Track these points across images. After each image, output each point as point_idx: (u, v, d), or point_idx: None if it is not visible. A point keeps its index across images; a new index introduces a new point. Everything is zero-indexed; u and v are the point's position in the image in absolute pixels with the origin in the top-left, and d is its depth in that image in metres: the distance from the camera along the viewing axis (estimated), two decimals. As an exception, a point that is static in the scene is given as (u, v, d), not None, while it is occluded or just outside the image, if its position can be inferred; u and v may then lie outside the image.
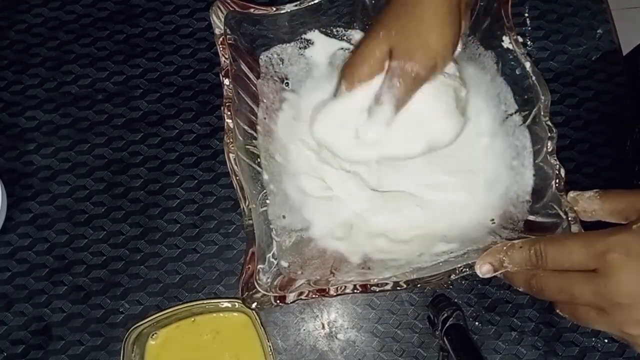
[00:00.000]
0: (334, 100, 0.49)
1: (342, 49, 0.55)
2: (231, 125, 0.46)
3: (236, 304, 0.52)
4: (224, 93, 0.47)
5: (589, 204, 0.42)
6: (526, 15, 0.63)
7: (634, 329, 0.36)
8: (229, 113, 0.47)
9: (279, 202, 0.50)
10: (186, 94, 0.61)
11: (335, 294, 0.42)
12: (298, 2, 0.50)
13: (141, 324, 0.51)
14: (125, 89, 0.61)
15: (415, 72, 0.43)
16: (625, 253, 0.35)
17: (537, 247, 0.38)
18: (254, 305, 0.42)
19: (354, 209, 0.51)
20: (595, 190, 0.42)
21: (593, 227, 0.42)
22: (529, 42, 0.62)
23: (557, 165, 0.46)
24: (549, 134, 0.46)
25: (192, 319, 0.53)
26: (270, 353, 0.50)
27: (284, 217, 0.49)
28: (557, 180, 0.45)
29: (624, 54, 0.63)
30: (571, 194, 0.44)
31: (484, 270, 0.41)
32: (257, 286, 0.42)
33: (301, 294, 0.42)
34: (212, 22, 0.49)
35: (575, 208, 0.43)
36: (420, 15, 0.42)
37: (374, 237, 0.50)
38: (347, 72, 0.46)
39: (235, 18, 0.49)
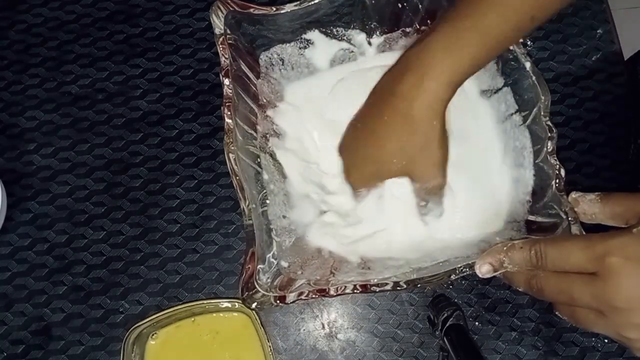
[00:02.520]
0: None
1: (342, 49, 0.55)
2: (231, 125, 0.46)
3: (236, 304, 0.52)
4: (224, 93, 0.47)
5: (589, 206, 0.42)
6: (526, 15, 0.63)
7: (632, 333, 0.36)
8: (229, 113, 0.46)
9: (279, 202, 0.50)
10: (186, 94, 0.61)
11: (335, 294, 0.42)
12: (298, 2, 0.50)
13: (141, 324, 0.51)
14: (125, 89, 0.61)
15: (437, 185, 0.48)
16: (624, 257, 0.35)
17: (537, 248, 0.38)
18: (254, 305, 0.41)
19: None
20: (597, 193, 0.42)
21: (593, 228, 0.42)
22: (529, 42, 0.62)
23: (557, 166, 0.45)
24: (549, 134, 0.46)
25: (192, 319, 0.53)
26: (270, 353, 0.50)
27: (284, 217, 0.49)
28: (557, 181, 0.45)
29: (624, 54, 0.63)
30: (573, 194, 0.44)
31: (483, 270, 0.41)
32: (257, 286, 0.42)
33: (301, 294, 0.42)
34: (212, 21, 0.49)
35: (575, 209, 0.43)
36: (426, 144, 0.45)
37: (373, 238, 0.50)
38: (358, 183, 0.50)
39: (235, 18, 0.49)
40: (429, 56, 0.43)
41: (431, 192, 0.48)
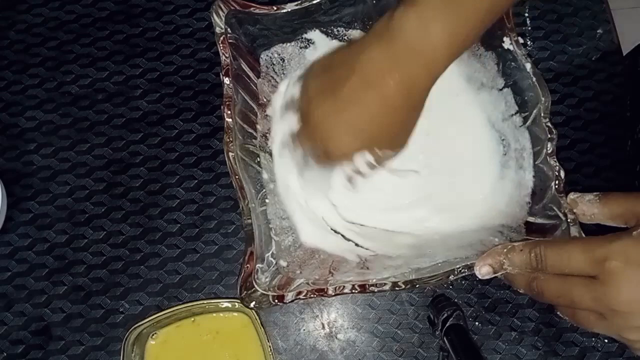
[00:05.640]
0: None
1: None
2: (231, 124, 0.46)
3: (236, 304, 0.52)
4: (224, 92, 0.47)
5: (588, 207, 0.42)
6: (526, 15, 0.63)
7: (632, 335, 0.36)
8: (229, 112, 0.47)
9: (279, 202, 0.50)
10: (186, 94, 0.61)
11: (333, 293, 0.42)
12: (299, 2, 0.50)
13: (141, 324, 0.51)
14: (125, 89, 0.61)
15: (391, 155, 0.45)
16: (624, 261, 0.35)
17: (537, 251, 0.38)
18: (252, 305, 0.42)
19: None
20: (595, 193, 0.42)
21: (593, 227, 0.42)
22: (529, 42, 0.62)
23: (557, 167, 0.45)
24: (549, 135, 0.46)
25: (192, 319, 0.53)
26: (270, 353, 0.50)
27: (283, 216, 0.49)
28: (557, 182, 0.45)
29: (624, 53, 0.63)
30: (571, 195, 0.44)
31: (483, 271, 0.41)
32: (255, 285, 0.42)
33: (299, 293, 0.42)
34: (213, 20, 0.49)
35: (574, 210, 0.43)
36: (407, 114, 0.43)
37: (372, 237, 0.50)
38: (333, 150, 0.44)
39: (236, 17, 0.49)
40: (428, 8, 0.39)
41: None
